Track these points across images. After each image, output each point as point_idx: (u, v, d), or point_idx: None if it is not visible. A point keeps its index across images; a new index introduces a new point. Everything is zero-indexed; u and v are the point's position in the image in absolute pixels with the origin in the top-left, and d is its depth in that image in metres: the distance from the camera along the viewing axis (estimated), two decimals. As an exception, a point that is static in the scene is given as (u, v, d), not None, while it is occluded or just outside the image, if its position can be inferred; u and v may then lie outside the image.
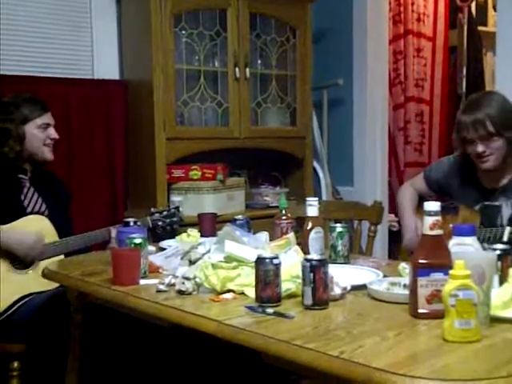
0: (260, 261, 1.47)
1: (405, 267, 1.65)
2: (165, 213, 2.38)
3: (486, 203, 2.17)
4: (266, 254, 1.52)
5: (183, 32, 3.10)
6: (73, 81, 3.08)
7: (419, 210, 2.31)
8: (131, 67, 3.20)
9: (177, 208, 2.42)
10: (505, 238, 1.97)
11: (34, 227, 2.26)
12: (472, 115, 2.06)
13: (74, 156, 3.05)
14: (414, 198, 2.38)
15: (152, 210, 2.41)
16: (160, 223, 2.35)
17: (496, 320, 1.29)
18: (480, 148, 2.07)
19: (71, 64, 3.13)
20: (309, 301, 1.42)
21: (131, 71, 3.20)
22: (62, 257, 2.26)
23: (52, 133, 2.40)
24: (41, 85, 2.91)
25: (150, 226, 2.33)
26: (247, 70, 3.21)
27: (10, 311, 2.14)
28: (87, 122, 3.10)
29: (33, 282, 2.18)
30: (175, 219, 2.38)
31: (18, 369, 2.16)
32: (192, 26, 3.12)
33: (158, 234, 2.30)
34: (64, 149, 2.89)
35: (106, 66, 3.20)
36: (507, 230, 2.01)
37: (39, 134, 2.36)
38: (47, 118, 2.40)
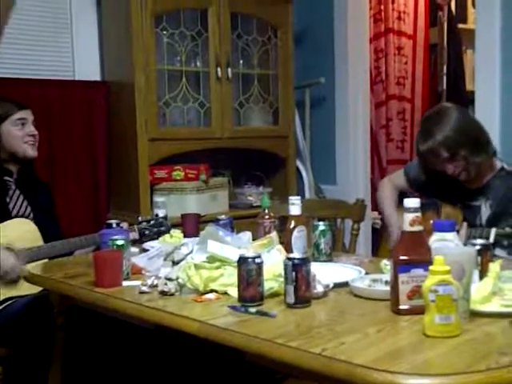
0: (242, 260, 1.47)
1: (386, 264, 1.66)
2: (152, 222, 2.36)
3: (466, 203, 2.18)
4: (249, 253, 1.52)
5: (164, 32, 3.09)
6: (53, 82, 3.06)
7: (399, 206, 2.33)
8: (112, 68, 3.18)
9: (164, 217, 2.40)
10: (491, 240, 1.99)
11: (18, 230, 2.24)
12: (425, 144, 2.08)
13: (55, 157, 3.03)
14: (393, 194, 2.40)
15: (139, 218, 2.38)
16: (147, 232, 2.33)
17: (476, 314, 1.30)
18: (448, 170, 2.10)
19: (52, 65, 3.11)
20: (291, 299, 1.43)
21: (112, 72, 3.18)
22: (46, 260, 2.24)
23: (31, 129, 2.37)
24: (21, 86, 2.89)
25: (138, 234, 2.30)
26: (229, 69, 3.20)
27: (-7, 315, 2.13)
28: (68, 123, 3.08)
29: (16, 285, 2.16)
30: (163, 228, 2.36)
31: (1, 373, 2.14)
32: (173, 27, 3.11)
33: (143, 242, 2.29)
34: (45, 150, 2.87)
35: (87, 67, 3.19)
36: (493, 230, 2.02)
37: (16, 131, 2.33)
38: (23, 113, 2.36)
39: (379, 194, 2.47)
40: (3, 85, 2.83)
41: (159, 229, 2.34)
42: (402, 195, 2.36)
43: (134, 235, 2.25)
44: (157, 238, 2.25)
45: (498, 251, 2.02)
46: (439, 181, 2.21)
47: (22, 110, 2.36)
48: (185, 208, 2.83)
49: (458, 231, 1.66)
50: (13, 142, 2.33)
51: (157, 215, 2.43)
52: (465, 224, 2.08)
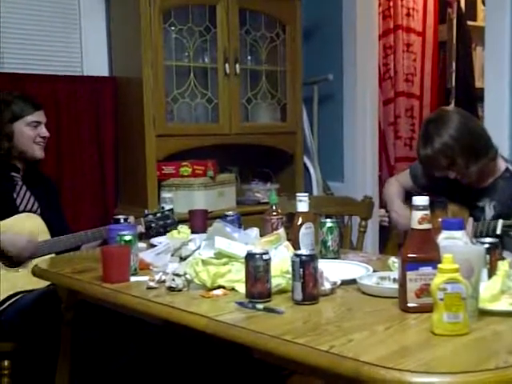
0: (250, 256, 1.47)
1: (394, 261, 1.66)
2: (158, 214, 2.37)
3: (470, 203, 2.17)
4: (256, 249, 1.52)
5: (172, 28, 3.09)
6: (62, 78, 3.06)
7: (406, 204, 2.32)
8: (120, 64, 3.19)
9: (170, 210, 2.41)
10: (498, 231, 1.98)
11: (26, 225, 2.25)
12: (424, 151, 2.09)
13: (63, 153, 3.04)
14: (400, 191, 2.40)
15: (146, 211, 2.39)
16: (153, 225, 2.34)
17: (485, 313, 1.30)
18: (450, 175, 2.11)
19: (60, 61, 3.12)
20: (299, 296, 1.42)
21: (120, 68, 3.19)
22: (53, 255, 2.25)
23: (43, 131, 2.39)
24: (30, 82, 2.90)
25: (144, 227, 2.32)
26: (237, 65, 3.20)
27: (0, 309, 2.13)
28: (76, 118, 3.08)
29: (23, 280, 2.18)
30: (169, 221, 2.37)
31: (8, 367, 2.15)
32: (181, 22, 3.11)
33: (150, 235, 2.30)
34: (53, 146, 2.88)
35: (96, 63, 3.19)
36: (500, 222, 2.02)
37: (29, 131, 2.35)
38: (38, 115, 2.39)
39: (386, 191, 2.48)
40: (13, 80, 2.84)
41: (165, 222, 2.35)
42: (409, 195, 2.35)
43: (140, 228, 2.26)
44: (163, 231, 2.26)
45: (506, 254, 2.00)
46: (443, 181, 2.21)
47: (37, 112, 2.38)
48: (192, 204, 2.82)
49: None
50: (23, 141, 2.34)
51: (163, 208, 2.43)
52: (470, 220, 2.08)
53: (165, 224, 2.35)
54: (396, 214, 2.34)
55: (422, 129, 2.16)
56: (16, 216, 2.26)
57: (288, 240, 1.80)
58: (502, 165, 2.17)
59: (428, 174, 2.26)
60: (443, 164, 2.07)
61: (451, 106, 2.40)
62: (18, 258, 2.17)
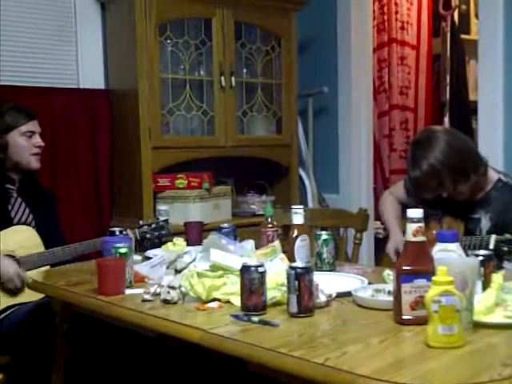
0: (245, 269, 1.47)
1: (389, 274, 1.66)
2: (153, 225, 2.37)
3: (466, 215, 2.18)
4: (252, 262, 1.52)
5: (168, 41, 3.11)
6: (58, 90, 3.07)
7: (403, 219, 2.32)
8: (116, 76, 3.20)
9: (165, 221, 2.41)
10: (491, 246, 1.98)
11: (18, 237, 2.24)
12: (413, 173, 2.08)
13: (58, 165, 3.04)
14: (395, 207, 2.40)
15: (141, 222, 2.40)
16: (148, 235, 2.34)
17: (479, 325, 1.30)
18: (442, 194, 2.11)
19: (56, 73, 3.13)
20: (294, 308, 1.42)
21: (116, 80, 3.20)
22: (48, 267, 2.24)
23: (38, 141, 2.39)
24: (26, 94, 2.90)
25: (138, 238, 2.32)
26: (233, 78, 3.21)
27: (-5, 322, 2.13)
28: (72, 131, 3.09)
29: (19, 293, 2.17)
30: (164, 232, 2.37)
31: (3, 381, 2.14)
32: (177, 35, 3.12)
33: (145, 246, 2.30)
34: (49, 158, 2.89)
35: (91, 76, 3.20)
36: (493, 237, 2.02)
37: (23, 142, 2.35)
38: (32, 125, 2.38)
39: (381, 209, 2.47)
40: (8, 92, 2.84)
41: (160, 232, 2.35)
42: (405, 207, 2.36)
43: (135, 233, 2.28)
44: (158, 242, 2.26)
45: (507, 264, 2.00)
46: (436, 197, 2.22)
47: (31, 122, 2.38)
48: (188, 216, 2.83)
49: None
50: (18, 152, 2.34)
51: (158, 218, 2.43)
52: None
53: (160, 235, 2.35)
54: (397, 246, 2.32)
55: (410, 151, 2.15)
56: (9, 228, 2.26)
57: (283, 252, 1.80)
58: (493, 176, 2.17)
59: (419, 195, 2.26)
60: (433, 186, 2.08)
61: (437, 126, 2.39)
62: (9, 284, 2.14)
